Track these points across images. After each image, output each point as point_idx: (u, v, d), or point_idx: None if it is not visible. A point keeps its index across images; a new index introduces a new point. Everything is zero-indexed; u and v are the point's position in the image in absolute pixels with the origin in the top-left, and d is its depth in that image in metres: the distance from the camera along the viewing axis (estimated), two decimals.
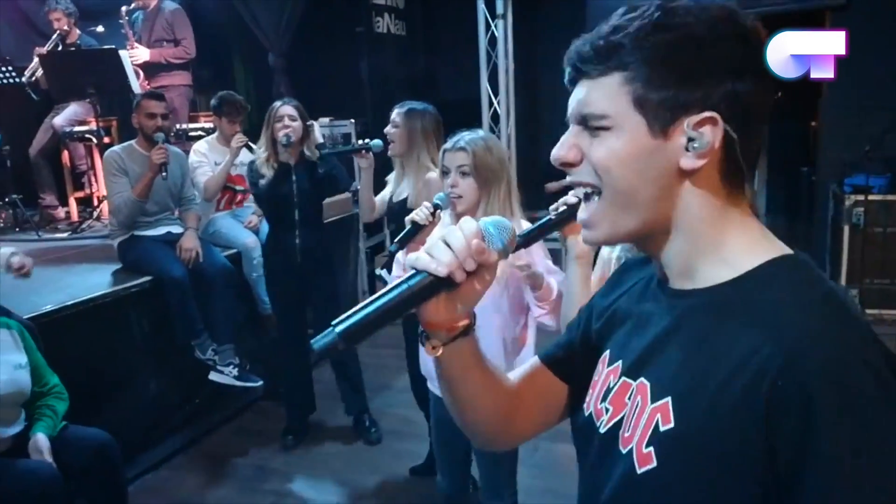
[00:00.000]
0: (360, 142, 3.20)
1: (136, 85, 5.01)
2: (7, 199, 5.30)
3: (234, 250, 3.96)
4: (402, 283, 0.79)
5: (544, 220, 1.43)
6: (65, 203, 5.71)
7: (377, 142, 3.09)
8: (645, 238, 0.81)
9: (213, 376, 3.61)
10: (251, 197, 4.18)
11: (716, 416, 0.69)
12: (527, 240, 1.42)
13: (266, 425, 3.92)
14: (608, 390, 0.86)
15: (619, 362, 0.86)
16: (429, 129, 2.93)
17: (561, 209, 1.41)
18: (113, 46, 4.96)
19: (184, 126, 5.26)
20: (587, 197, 0.82)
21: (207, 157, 4.00)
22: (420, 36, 6.98)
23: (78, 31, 5.44)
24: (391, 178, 3.16)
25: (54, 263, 4.18)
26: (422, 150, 2.91)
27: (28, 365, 2.20)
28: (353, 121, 5.64)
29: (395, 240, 2.02)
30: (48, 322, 2.95)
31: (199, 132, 4.86)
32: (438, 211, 2.02)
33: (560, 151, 0.81)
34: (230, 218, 4.09)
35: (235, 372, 3.61)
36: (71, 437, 2.19)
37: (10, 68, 5.16)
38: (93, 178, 5.54)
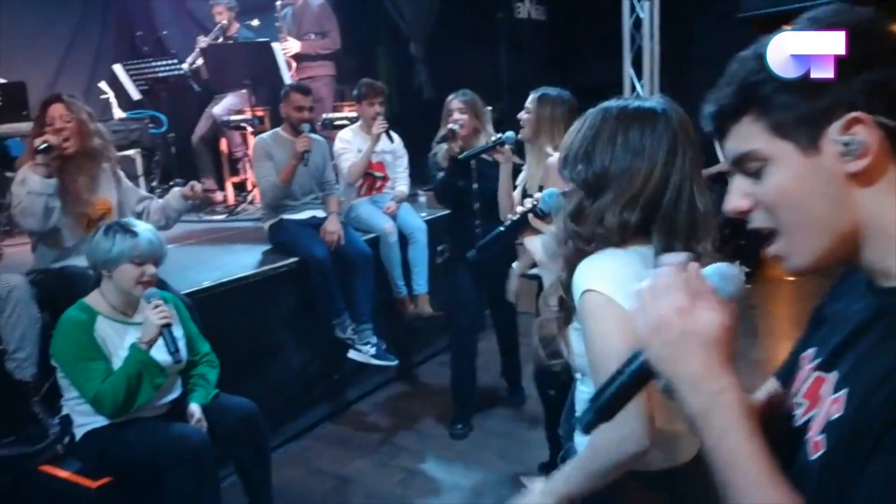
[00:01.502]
0: (494, 137, 3.09)
1: (288, 76, 5.29)
2: (172, 183, 5.77)
3: (373, 235, 4.09)
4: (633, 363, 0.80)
5: (497, 231, 1.41)
6: (222, 187, 6.14)
7: (510, 134, 2.99)
8: (844, 251, 0.79)
9: (352, 354, 3.76)
10: (389, 184, 4.36)
11: (869, 406, 0.69)
12: (481, 249, 1.41)
13: (399, 404, 4.06)
14: (805, 385, 0.86)
15: (818, 359, 0.86)
16: (557, 116, 2.84)
17: (512, 219, 1.40)
18: (267, 39, 5.26)
19: (329, 115, 5.49)
20: (770, 235, 0.81)
21: (351, 143, 4.16)
22: (561, 20, 6.86)
23: (237, 25, 5.83)
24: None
25: (212, 243, 4.53)
26: (546, 136, 2.84)
27: (184, 336, 2.41)
28: (490, 108, 5.64)
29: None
30: (205, 297, 3.19)
31: (344, 121, 5.06)
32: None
33: (732, 203, 0.82)
34: (369, 204, 4.24)
35: (373, 351, 3.74)
36: (221, 404, 2.37)
37: (175, 60, 5.60)
38: (247, 165, 5.92)
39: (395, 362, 3.85)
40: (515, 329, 3.81)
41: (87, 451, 2.25)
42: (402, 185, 4.38)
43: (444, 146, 3.43)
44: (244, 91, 5.55)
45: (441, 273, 4.52)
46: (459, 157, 3.28)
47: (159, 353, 2.23)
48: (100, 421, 2.23)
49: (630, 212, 1.19)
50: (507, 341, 3.87)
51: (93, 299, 2.28)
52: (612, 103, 1.27)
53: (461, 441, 3.56)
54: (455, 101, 3.37)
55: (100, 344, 2.21)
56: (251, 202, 5.60)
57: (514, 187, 3.07)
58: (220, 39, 5.74)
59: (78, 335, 2.19)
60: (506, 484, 3.15)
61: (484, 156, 3.18)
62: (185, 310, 2.46)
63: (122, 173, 3.23)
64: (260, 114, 5.57)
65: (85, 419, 2.23)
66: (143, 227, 2.32)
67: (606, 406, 0.80)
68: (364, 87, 4.16)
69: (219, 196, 6.15)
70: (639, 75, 5.60)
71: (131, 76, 5.65)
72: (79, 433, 2.26)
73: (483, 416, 3.72)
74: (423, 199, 5.10)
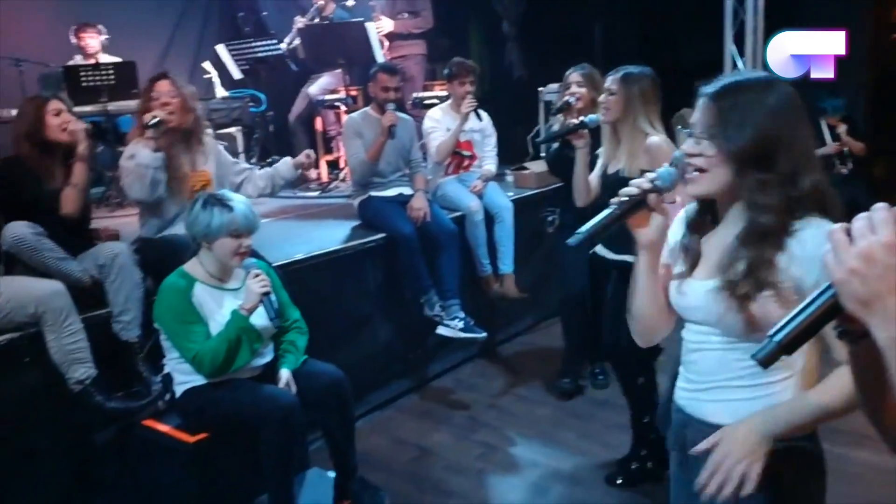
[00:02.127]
0: (575, 121, 2.99)
1: (380, 55, 5.37)
2: (269, 160, 5.99)
3: (459, 213, 4.13)
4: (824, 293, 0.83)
5: (607, 212, 1.34)
6: (316, 165, 6.32)
7: (593, 117, 2.88)
8: None
9: (440, 330, 3.80)
10: (477, 162, 4.37)
11: None
12: (591, 236, 1.32)
13: (481, 381, 4.10)
14: None
15: None
16: (648, 93, 2.75)
17: (623, 200, 1.32)
18: (361, 19, 5.36)
19: (419, 94, 5.55)
20: None
21: (440, 122, 4.20)
22: None
23: (333, 5, 5.95)
24: (600, 151, 2.94)
25: (305, 218, 4.70)
26: (639, 114, 2.76)
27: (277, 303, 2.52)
28: None
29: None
30: (297, 268, 3.33)
31: (434, 100, 5.10)
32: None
33: None
34: (457, 182, 4.26)
35: (461, 325, 3.76)
36: (310, 370, 2.48)
37: (274, 41, 5.78)
38: (340, 143, 6.07)
39: (484, 334, 3.85)
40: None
41: (185, 408, 2.41)
42: (489, 163, 4.38)
43: (560, 117, 3.41)
44: (339, 71, 5.68)
45: (545, 246, 4.54)
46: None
47: (256, 319, 2.35)
48: (198, 380, 2.37)
49: (811, 175, 1.24)
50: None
51: (191, 266, 2.42)
52: (738, 76, 1.32)
53: (543, 420, 3.57)
54: (574, 75, 3.33)
55: (197, 308, 2.34)
56: (343, 179, 5.74)
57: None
58: (317, 20, 5.89)
59: (178, 300, 2.33)
60: (583, 464, 3.14)
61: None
62: (276, 278, 2.57)
63: (220, 147, 3.40)
64: (353, 93, 5.68)
65: (185, 378, 2.39)
66: (238, 201, 2.42)
67: (788, 340, 0.83)
68: (455, 66, 4.17)
69: (313, 174, 6.33)
70: (741, 52, 5.36)
71: (233, 56, 5.89)
72: (178, 391, 2.42)
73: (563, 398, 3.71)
74: (510, 178, 5.10)
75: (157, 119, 2.92)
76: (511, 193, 4.61)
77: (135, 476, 2.61)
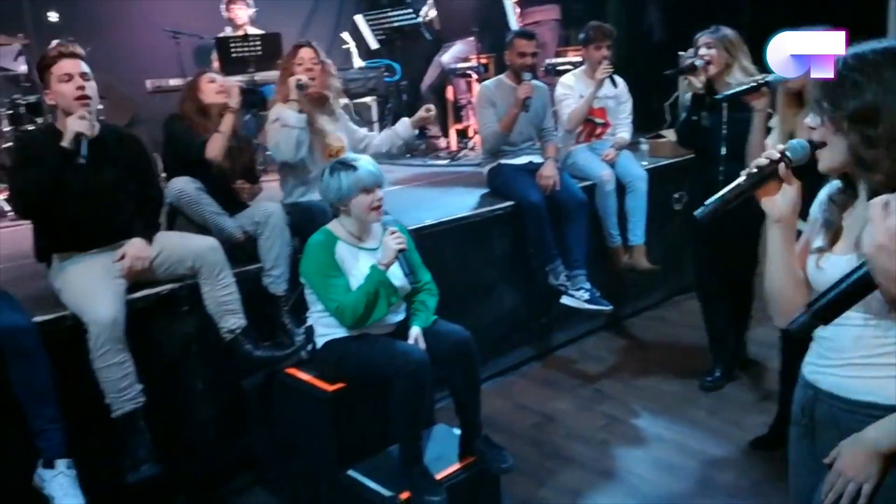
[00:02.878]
0: (759, 77, 2.74)
1: (514, 22, 5.34)
2: None
3: (590, 182, 4.07)
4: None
5: (735, 184, 1.28)
6: (445, 134, 6.42)
7: (777, 76, 2.48)
8: None
9: (564, 300, 3.79)
10: (610, 130, 4.27)
11: None
12: (717, 208, 1.27)
13: (606, 353, 4.07)
14: None
15: None
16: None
17: (752, 171, 1.27)
18: None
19: (552, 60, 5.47)
20: None
21: (573, 89, 4.14)
22: None
23: None
24: (774, 122, 2.69)
25: (435, 186, 4.79)
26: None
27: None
28: None
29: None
30: (427, 234, 3.42)
31: (567, 66, 5.02)
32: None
33: None
34: (588, 151, 4.19)
35: (587, 296, 3.74)
36: (439, 329, 2.56)
37: (410, 10, 5.88)
38: (470, 112, 6.11)
39: (610, 307, 3.81)
40: (752, 287, 3.42)
41: (325, 359, 2.55)
42: (623, 131, 4.28)
43: (687, 81, 3.25)
44: (471, 39, 5.71)
45: (674, 222, 4.41)
46: (715, 98, 2.96)
47: (393, 278, 2.46)
48: (338, 333, 2.51)
49: None
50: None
51: (333, 226, 2.57)
52: (863, 47, 1.23)
53: (669, 396, 3.50)
54: (703, 37, 3.15)
55: (339, 264, 2.48)
56: (472, 148, 5.80)
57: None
58: None
59: (322, 256, 2.48)
60: (711, 441, 3.07)
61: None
62: (410, 240, 2.66)
63: (346, 115, 3.55)
64: (485, 61, 5.71)
65: (326, 330, 2.53)
66: (361, 159, 2.54)
67: (823, 310, 0.87)
68: (592, 31, 4.08)
69: (442, 142, 6.44)
70: None
71: (370, 26, 6.04)
72: (319, 342, 2.57)
73: (701, 373, 3.59)
74: (645, 146, 4.95)
75: (301, 82, 3.09)
76: (645, 163, 4.49)
77: (277, 419, 2.82)
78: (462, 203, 3.95)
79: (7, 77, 5.25)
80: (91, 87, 2.54)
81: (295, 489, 2.80)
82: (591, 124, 4.23)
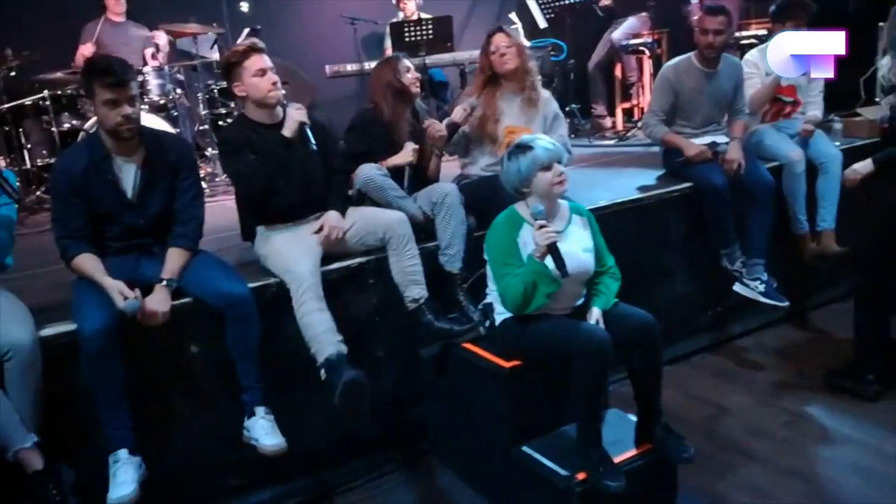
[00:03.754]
0: None
1: None
2: (567, 109, 6.07)
3: (777, 163, 3.81)
4: None
5: None
6: (612, 113, 6.27)
7: None
8: None
9: (737, 288, 3.63)
10: (800, 108, 3.98)
11: None
12: None
13: (786, 347, 3.84)
14: None
15: None
16: None
17: None
18: None
19: (735, 34, 5.16)
20: None
21: (760, 67, 3.88)
22: None
23: None
24: None
25: (603, 166, 4.71)
26: None
27: (593, 248, 2.59)
28: None
29: None
30: (602, 214, 3.34)
31: (752, 40, 4.72)
32: None
33: None
34: (775, 131, 3.94)
35: (762, 287, 3.56)
36: (620, 312, 2.51)
37: None
38: (640, 90, 5.93)
39: (786, 303, 3.61)
40: None
41: (503, 335, 2.59)
42: (815, 109, 3.98)
43: (886, 60, 2.99)
44: (644, 14, 5.51)
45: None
46: None
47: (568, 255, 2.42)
48: None
49: None
50: None
51: (520, 207, 2.58)
52: None
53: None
54: None
55: (520, 247, 2.50)
56: (640, 127, 5.62)
57: None
58: None
59: (506, 235, 2.51)
60: None
61: None
62: (594, 223, 2.63)
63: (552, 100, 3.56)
64: (657, 37, 5.50)
65: (504, 308, 2.57)
66: (536, 138, 2.54)
67: None
68: (791, 8, 3.76)
69: (608, 122, 6.30)
70: None
71: (540, 4, 5.99)
72: (498, 319, 2.62)
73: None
74: (838, 125, 4.57)
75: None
76: (839, 143, 4.15)
77: (451, 392, 2.91)
78: (635, 184, 3.86)
79: (203, 64, 5.74)
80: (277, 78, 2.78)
81: (467, 461, 2.88)
82: (779, 103, 3.97)
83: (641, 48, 5.62)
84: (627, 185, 3.87)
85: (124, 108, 2.40)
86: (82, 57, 5.10)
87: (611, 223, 3.40)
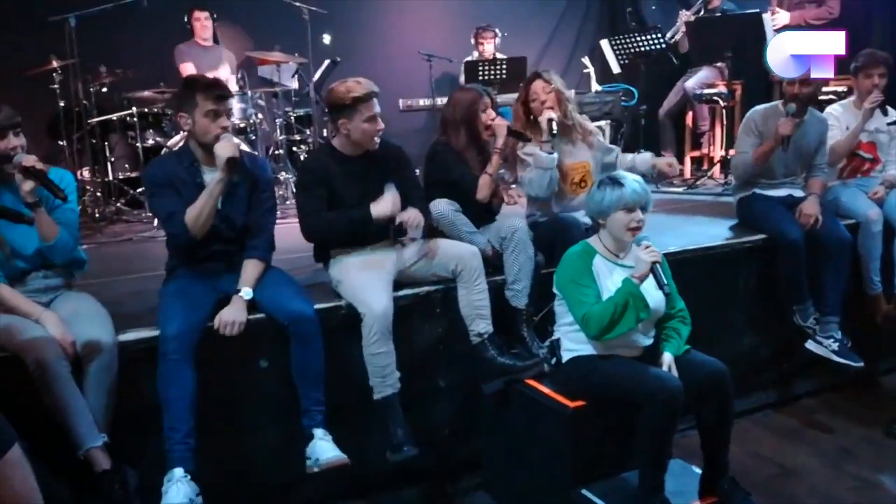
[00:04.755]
0: None
1: None
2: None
3: (853, 221, 3.73)
4: None
5: None
6: (681, 161, 6.22)
7: None
8: None
9: (810, 345, 3.54)
10: (879, 167, 3.90)
11: None
12: None
13: (856, 408, 3.69)
14: None
15: None
16: None
17: None
18: (757, 10, 5.10)
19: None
20: None
21: (840, 120, 3.86)
22: None
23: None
24: None
25: (672, 213, 4.66)
26: None
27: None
28: None
29: None
30: (671, 261, 3.31)
31: (830, 96, 4.66)
32: None
33: None
34: (853, 187, 3.87)
35: (836, 346, 3.47)
36: (692, 359, 2.48)
37: (658, 35, 5.78)
38: (711, 139, 5.88)
39: (860, 364, 3.50)
40: None
41: (570, 374, 2.58)
42: (894, 168, 3.89)
43: None
44: (719, 64, 5.51)
45: None
46: None
47: (645, 293, 2.43)
48: (585, 349, 2.54)
49: None
50: None
51: (593, 241, 2.61)
52: None
53: None
54: None
55: (594, 276, 2.50)
56: (711, 176, 5.58)
57: None
58: (702, 12, 5.76)
59: (579, 264, 2.52)
60: None
61: None
62: (666, 265, 2.62)
63: (598, 134, 3.57)
64: (733, 87, 5.47)
65: (573, 345, 2.57)
66: (630, 178, 2.53)
67: None
68: (864, 57, 3.82)
69: (676, 169, 6.24)
70: None
71: (614, 50, 6.03)
72: (565, 356, 2.61)
73: None
74: None
75: (554, 131, 3.14)
76: None
77: (510, 428, 2.89)
78: (706, 232, 3.81)
79: (284, 91, 5.94)
80: None
81: (521, 500, 2.85)
82: (857, 159, 3.90)
83: (715, 98, 5.59)
84: (697, 232, 3.83)
85: (223, 120, 2.53)
86: (186, 72, 5.34)
87: (679, 270, 3.36)
